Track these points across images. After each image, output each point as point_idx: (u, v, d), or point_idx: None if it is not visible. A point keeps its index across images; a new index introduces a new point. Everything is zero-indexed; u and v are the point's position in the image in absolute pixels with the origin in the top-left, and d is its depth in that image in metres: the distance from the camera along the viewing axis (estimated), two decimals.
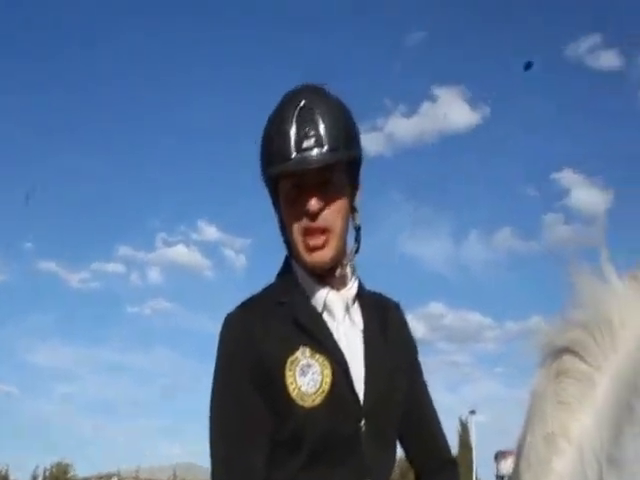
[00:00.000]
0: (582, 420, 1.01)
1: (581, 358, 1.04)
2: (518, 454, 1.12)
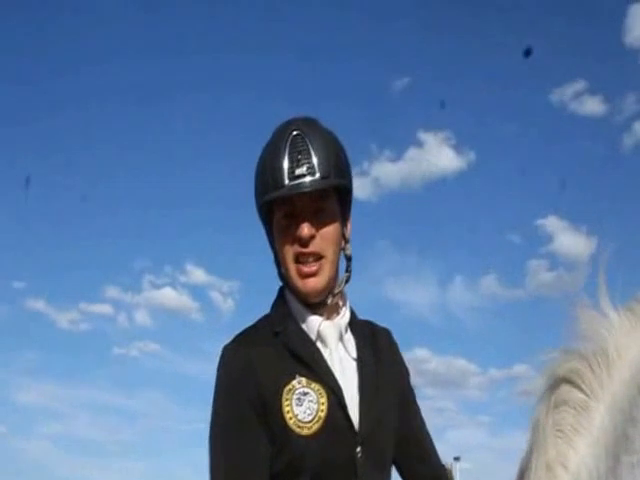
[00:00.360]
0: (579, 449, 1.03)
1: (578, 387, 1.06)
2: None
